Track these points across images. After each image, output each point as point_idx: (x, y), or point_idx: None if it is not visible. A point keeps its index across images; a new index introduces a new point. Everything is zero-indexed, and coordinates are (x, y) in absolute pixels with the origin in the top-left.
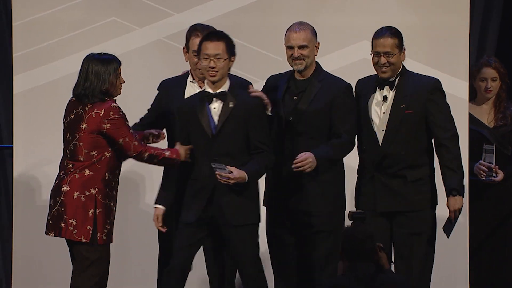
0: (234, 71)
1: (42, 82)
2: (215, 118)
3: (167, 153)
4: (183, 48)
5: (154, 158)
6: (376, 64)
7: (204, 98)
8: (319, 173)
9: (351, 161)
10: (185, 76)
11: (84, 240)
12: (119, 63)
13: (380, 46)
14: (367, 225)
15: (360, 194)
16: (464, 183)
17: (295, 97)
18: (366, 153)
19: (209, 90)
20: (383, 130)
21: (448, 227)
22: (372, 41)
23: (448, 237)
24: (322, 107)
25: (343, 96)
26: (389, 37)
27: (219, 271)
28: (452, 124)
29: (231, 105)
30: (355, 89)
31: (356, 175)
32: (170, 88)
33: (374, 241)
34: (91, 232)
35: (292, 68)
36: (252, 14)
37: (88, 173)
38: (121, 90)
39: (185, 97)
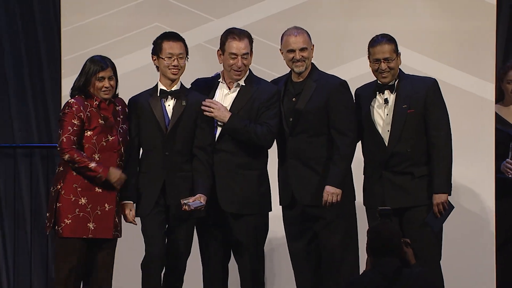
0: (273, 75)
1: None
2: (169, 115)
3: (93, 165)
4: (218, 50)
5: (74, 163)
6: (376, 71)
7: (158, 95)
8: (326, 167)
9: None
10: (216, 77)
11: (48, 232)
12: (103, 67)
13: (379, 53)
14: (393, 222)
15: (369, 194)
16: (451, 182)
17: (293, 99)
18: (372, 154)
19: (163, 87)
20: (388, 131)
21: (433, 220)
22: (369, 49)
23: (434, 230)
24: (319, 106)
25: (338, 93)
26: (386, 43)
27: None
28: (445, 124)
29: (183, 103)
30: (355, 97)
31: (362, 175)
32: (202, 88)
33: (400, 238)
34: (52, 225)
35: (289, 71)
36: (288, 20)
37: (60, 169)
38: (103, 94)
39: (215, 97)
